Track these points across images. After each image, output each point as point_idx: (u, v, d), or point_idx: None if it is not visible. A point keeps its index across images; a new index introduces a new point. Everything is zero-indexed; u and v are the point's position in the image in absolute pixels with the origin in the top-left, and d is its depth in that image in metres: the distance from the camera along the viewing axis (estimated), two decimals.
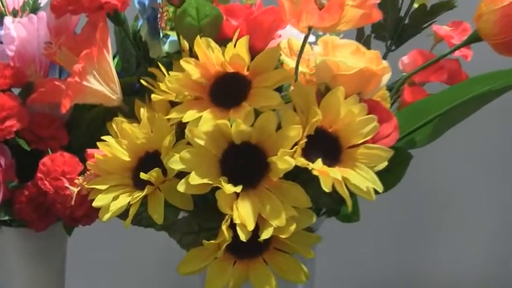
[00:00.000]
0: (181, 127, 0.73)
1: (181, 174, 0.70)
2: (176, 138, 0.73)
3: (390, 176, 0.77)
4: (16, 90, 0.85)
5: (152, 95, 0.77)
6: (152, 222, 0.73)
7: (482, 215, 1.53)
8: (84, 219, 0.78)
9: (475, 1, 0.81)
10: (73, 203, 0.75)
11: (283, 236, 0.68)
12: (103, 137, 0.76)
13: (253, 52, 0.73)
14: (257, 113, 0.70)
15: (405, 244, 1.53)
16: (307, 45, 0.77)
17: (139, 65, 0.88)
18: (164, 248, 1.12)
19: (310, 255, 0.71)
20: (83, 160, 0.78)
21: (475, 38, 0.81)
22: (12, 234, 0.86)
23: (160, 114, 0.73)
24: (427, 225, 1.51)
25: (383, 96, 0.82)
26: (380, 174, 0.72)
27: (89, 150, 0.77)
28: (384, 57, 0.90)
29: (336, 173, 0.69)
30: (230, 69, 0.72)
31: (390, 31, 0.92)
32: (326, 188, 0.68)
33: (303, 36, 0.91)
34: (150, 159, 0.75)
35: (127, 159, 0.75)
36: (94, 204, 0.73)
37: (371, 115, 0.73)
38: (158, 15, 0.87)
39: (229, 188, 0.67)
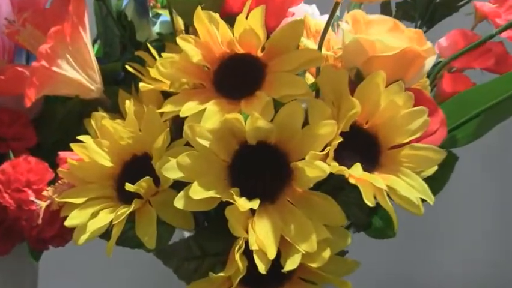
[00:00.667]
0: (177, 124, 0.53)
1: (179, 185, 0.50)
2: (172, 138, 0.53)
3: (431, 182, 0.57)
4: None
5: (141, 84, 0.57)
6: (142, 243, 0.53)
7: (479, 215, 1.40)
8: (55, 240, 0.58)
9: None
10: (40, 221, 0.55)
11: (314, 265, 0.48)
12: (79, 137, 0.56)
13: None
14: (275, 107, 0.51)
15: (403, 246, 1.36)
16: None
17: (124, 50, 0.69)
18: None
19: (346, 286, 0.51)
20: (55, 166, 0.57)
21: None
22: None
23: (150, 107, 0.53)
24: (424, 227, 1.35)
25: (423, 84, 0.63)
26: None
27: (62, 154, 0.57)
28: None
29: (380, 181, 0.50)
30: (240, 50, 0.53)
31: (421, 10, 0.73)
32: (369, 201, 0.49)
33: (317, 14, 0.71)
34: (138, 165, 0.55)
35: (109, 164, 0.55)
36: (67, 223, 0.53)
37: (420, 107, 0.53)
38: None
39: (243, 204, 0.47)
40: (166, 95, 0.56)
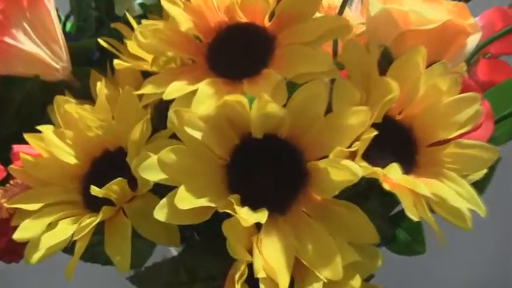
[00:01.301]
0: (160, 110, 0.39)
1: (161, 189, 0.36)
2: (153, 129, 0.38)
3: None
4: None
5: (115, 61, 0.42)
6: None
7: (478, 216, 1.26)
8: (6, 256, 0.43)
9: None
10: None
11: None
12: (38, 127, 0.41)
13: None
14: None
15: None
16: None
17: (100, 26, 0.54)
18: None
19: None
20: (8, 163, 0.43)
21: None
22: None
23: (127, 87, 0.39)
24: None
25: (460, 69, 0.49)
26: None
27: (16, 148, 0.43)
28: None
29: (423, 187, 0.36)
30: (242, 18, 0.38)
31: None
32: (411, 213, 0.35)
33: None
34: (111, 163, 0.41)
35: (73, 161, 0.40)
36: (16, 236, 0.39)
37: (471, 93, 0.39)
38: None
39: (247, 217, 0.33)
40: (146, 77, 0.42)
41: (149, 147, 0.37)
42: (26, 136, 0.41)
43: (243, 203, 0.35)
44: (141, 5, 0.51)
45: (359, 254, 0.36)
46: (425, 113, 0.40)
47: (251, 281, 0.34)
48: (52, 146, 0.40)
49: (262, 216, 0.34)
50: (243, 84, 0.37)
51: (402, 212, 0.40)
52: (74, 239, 0.36)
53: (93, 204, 0.40)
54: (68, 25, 0.58)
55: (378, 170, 0.35)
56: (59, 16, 0.52)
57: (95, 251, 0.42)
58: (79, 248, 0.37)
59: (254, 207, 0.35)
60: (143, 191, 0.37)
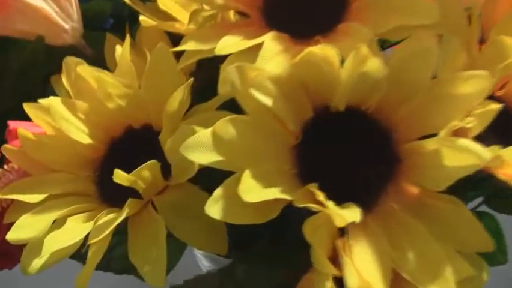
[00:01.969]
0: (199, 79, 0.28)
1: (205, 177, 0.25)
2: (192, 101, 0.27)
3: None
4: None
5: (141, 17, 0.31)
6: (134, 269, 0.27)
7: None
8: None
9: None
10: None
11: None
12: (41, 100, 0.30)
13: None
14: None
15: None
16: None
17: None
18: None
19: None
20: (2, 143, 0.31)
21: None
22: None
23: (161, 44, 0.27)
24: None
25: None
26: None
27: (13, 124, 0.31)
28: None
29: None
30: None
31: None
32: None
33: None
34: (135, 145, 0.29)
35: (87, 141, 0.29)
36: (11, 236, 0.28)
37: None
38: None
39: (344, 213, 0.22)
40: (176, 42, 0.31)
41: (191, 121, 0.26)
42: (27, 107, 0.30)
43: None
44: None
45: (471, 264, 0.25)
46: None
47: None
48: (60, 120, 0.29)
49: (355, 213, 0.23)
50: (317, 43, 0.26)
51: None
52: (90, 242, 0.25)
53: (111, 197, 0.29)
54: None
55: (500, 152, 0.25)
56: None
57: (110, 257, 0.31)
58: (95, 255, 0.26)
59: (338, 202, 0.24)
60: (180, 179, 0.26)
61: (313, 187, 0.23)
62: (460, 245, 0.25)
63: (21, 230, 0.27)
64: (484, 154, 0.23)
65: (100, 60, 0.36)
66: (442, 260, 0.24)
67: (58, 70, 0.35)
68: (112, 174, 0.29)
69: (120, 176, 0.25)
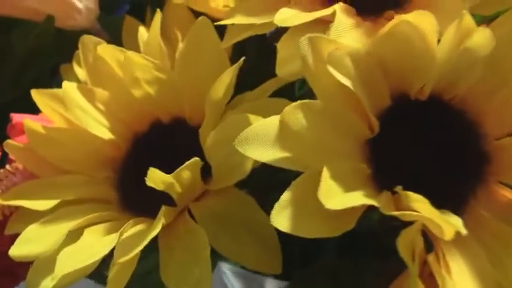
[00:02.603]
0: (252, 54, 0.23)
1: (254, 181, 0.19)
2: (237, 87, 0.22)
3: None
4: None
5: None
6: None
7: None
8: None
9: None
10: None
11: None
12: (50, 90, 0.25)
13: None
14: None
15: None
16: None
17: None
18: None
19: None
20: (4, 138, 0.26)
21: None
22: None
23: (202, 17, 0.22)
24: None
25: None
26: None
27: (17, 118, 0.26)
28: None
29: None
30: None
31: None
32: None
33: None
34: (162, 141, 0.24)
35: (107, 136, 0.24)
36: (14, 252, 0.22)
37: None
38: None
39: (452, 220, 0.16)
40: None
41: (239, 112, 0.21)
42: (34, 93, 0.24)
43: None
44: None
45: None
46: None
47: None
48: (76, 110, 0.23)
49: (458, 221, 0.18)
50: (390, 18, 0.21)
51: None
52: (118, 261, 0.20)
53: (134, 204, 0.24)
54: None
55: None
56: None
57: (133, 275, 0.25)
58: (120, 276, 0.21)
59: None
60: (225, 183, 0.21)
61: (401, 190, 0.18)
62: None
63: (27, 244, 0.22)
64: None
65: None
66: None
67: (69, 58, 0.30)
68: (135, 176, 0.24)
69: (155, 177, 0.20)
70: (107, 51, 0.24)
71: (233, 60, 0.23)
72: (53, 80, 0.31)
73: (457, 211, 0.20)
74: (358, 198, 0.17)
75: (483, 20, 0.22)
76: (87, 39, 0.25)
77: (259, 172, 0.21)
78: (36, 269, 0.22)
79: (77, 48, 0.29)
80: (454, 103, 0.21)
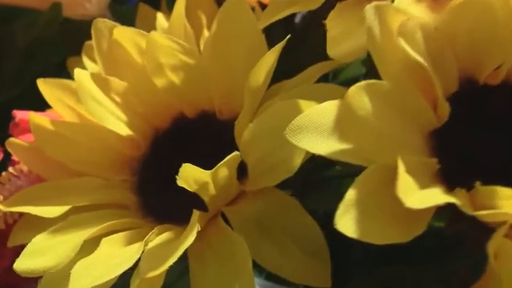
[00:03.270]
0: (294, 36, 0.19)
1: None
2: (276, 74, 0.19)
3: None
4: None
5: None
6: None
7: None
8: None
9: None
10: None
11: None
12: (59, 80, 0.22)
13: None
14: None
15: None
16: None
17: None
18: None
19: None
20: (5, 137, 0.23)
21: None
22: None
23: None
24: None
25: None
26: None
27: (20, 115, 0.23)
28: None
29: None
30: None
31: None
32: None
33: None
34: (186, 139, 0.21)
35: (125, 132, 0.21)
36: (19, 265, 0.18)
37: None
38: None
39: None
40: None
41: (289, 95, 0.18)
42: (41, 83, 0.21)
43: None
44: None
45: None
46: None
47: None
48: (90, 102, 0.20)
49: None
50: None
51: None
52: (146, 275, 0.17)
53: (155, 209, 0.21)
54: None
55: None
56: None
57: None
58: None
59: None
60: (269, 182, 0.18)
61: (482, 186, 0.15)
62: None
63: (34, 257, 0.19)
64: None
65: None
66: None
67: (77, 51, 0.27)
68: (156, 177, 0.21)
69: (189, 175, 0.17)
70: (125, 35, 0.21)
71: None
72: (59, 75, 0.28)
73: None
74: (439, 196, 0.14)
75: None
76: (101, 23, 0.22)
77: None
78: (46, 285, 0.18)
79: (86, 39, 0.26)
80: None
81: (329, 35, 0.18)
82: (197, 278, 0.18)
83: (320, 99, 0.17)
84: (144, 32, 0.21)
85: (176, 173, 0.19)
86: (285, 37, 0.19)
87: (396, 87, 0.15)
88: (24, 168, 0.22)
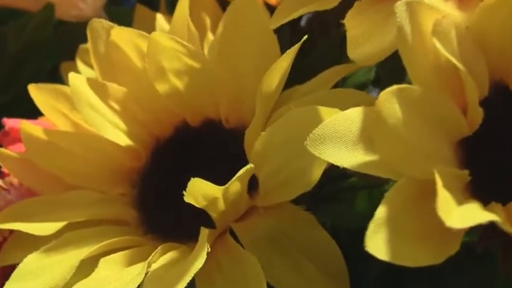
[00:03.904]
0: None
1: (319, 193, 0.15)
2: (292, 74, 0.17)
3: None
4: None
5: None
6: None
7: None
8: None
9: None
10: None
11: None
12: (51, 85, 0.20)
13: None
14: None
15: None
16: None
17: None
18: None
19: None
20: None
21: None
22: None
23: None
24: None
25: None
26: None
27: (11, 123, 0.21)
28: None
29: None
30: None
31: None
32: None
33: None
34: (189, 148, 0.19)
35: (124, 142, 0.19)
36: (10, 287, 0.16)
37: None
38: None
39: None
40: None
41: (306, 101, 0.16)
42: (32, 89, 0.20)
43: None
44: None
45: None
46: None
47: None
48: (87, 109, 0.19)
49: None
50: None
51: None
52: None
53: (157, 225, 0.19)
54: None
55: None
56: None
57: None
58: None
59: None
60: (283, 197, 0.16)
61: None
62: None
63: (26, 278, 0.17)
64: None
65: None
66: None
67: (71, 55, 0.25)
68: (158, 191, 0.20)
69: (198, 191, 0.15)
70: (123, 36, 0.19)
71: None
72: (52, 81, 0.27)
73: None
74: (481, 214, 0.13)
75: None
76: (97, 24, 0.20)
77: None
78: None
79: (80, 42, 0.25)
80: None
81: (348, 35, 0.16)
82: None
83: (341, 106, 0.15)
84: (144, 33, 0.19)
85: (179, 185, 0.17)
86: (292, 40, 0.18)
87: (427, 92, 0.14)
88: (15, 181, 0.20)
